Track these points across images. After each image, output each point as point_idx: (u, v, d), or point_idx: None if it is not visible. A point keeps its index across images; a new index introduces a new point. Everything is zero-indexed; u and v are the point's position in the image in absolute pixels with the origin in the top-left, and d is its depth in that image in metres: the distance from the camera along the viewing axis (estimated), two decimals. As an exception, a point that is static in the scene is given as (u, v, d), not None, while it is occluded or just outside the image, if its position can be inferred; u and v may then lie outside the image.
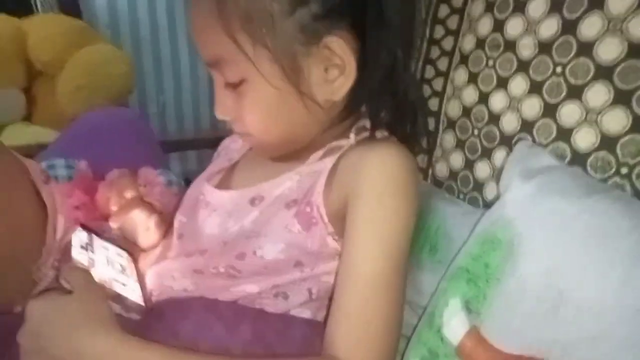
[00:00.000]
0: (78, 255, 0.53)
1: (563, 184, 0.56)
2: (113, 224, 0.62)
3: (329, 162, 0.55)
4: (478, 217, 0.64)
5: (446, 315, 0.60)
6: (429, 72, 0.86)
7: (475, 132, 0.75)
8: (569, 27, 0.62)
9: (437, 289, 0.64)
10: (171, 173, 0.79)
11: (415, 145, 0.59)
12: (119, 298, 0.52)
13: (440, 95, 0.84)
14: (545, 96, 0.64)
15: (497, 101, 0.71)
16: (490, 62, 0.73)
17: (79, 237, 0.56)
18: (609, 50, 0.57)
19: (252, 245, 0.53)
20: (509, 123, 0.69)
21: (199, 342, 0.50)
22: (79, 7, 1.73)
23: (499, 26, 0.72)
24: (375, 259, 0.50)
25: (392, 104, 0.56)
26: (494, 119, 0.71)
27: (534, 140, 0.66)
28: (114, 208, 0.64)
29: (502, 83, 0.70)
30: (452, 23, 0.82)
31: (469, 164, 0.76)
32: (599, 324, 0.47)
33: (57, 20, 1.51)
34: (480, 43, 0.75)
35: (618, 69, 0.56)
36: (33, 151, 0.85)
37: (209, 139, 1.12)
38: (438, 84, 0.84)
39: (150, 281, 0.59)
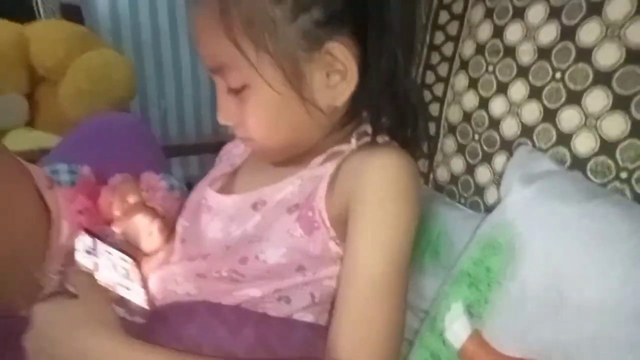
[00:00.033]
0: (82, 259, 0.54)
1: (563, 188, 0.57)
2: (116, 229, 0.63)
3: (331, 166, 0.55)
4: (479, 222, 0.65)
5: (448, 319, 0.60)
6: (430, 77, 0.87)
7: (476, 137, 0.75)
8: (568, 33, 0.62)
9: (439, 293, 0.64)
10: (173, 178, 0.80)
11: (416, 150, 0.59)
12: (123, 302, 0.53)
13: (440, 100, 0.84)
14: (545, 101, 0.65)
15: (497, 106, 0.72)
16: (490, 68, 0.73)
17: (83, 241, 0.56)
18: (608, 56, 0.58)
19: (254, 250, 0.53)
20: (509, 128, 0.70)
21: (203, 345, 0.50)
22: (81, 13, 1.73)
23: (498, 32, 0.72)
24: (377, 263, 0.50)
25: (393, 109, 0.56)
26: (494, 124, 0.72)
27: (534, 145, 0.66)
28: (116, 213, 0.64)
29: (502, 88, 0.71)
30: (452, 29, 0.83)
31: (470, 169, 0.76)
32: (599, 325, 0.48)
33: (59, 26, 1.52)
34: (480, 49, 0.75)
35: (617, 74, 0.57)
36: (35, 156, 0.85)
37: (211, 144, 1.12)
38: (438, 89, 0.85)
39: (153, 285, 0.59)
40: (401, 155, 0.54)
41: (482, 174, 0.74)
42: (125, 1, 1.87)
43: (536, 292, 0.52)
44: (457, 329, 0.59)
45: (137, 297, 0.55)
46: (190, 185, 0.72)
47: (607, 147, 0.58)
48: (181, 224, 0.64)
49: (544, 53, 0.65)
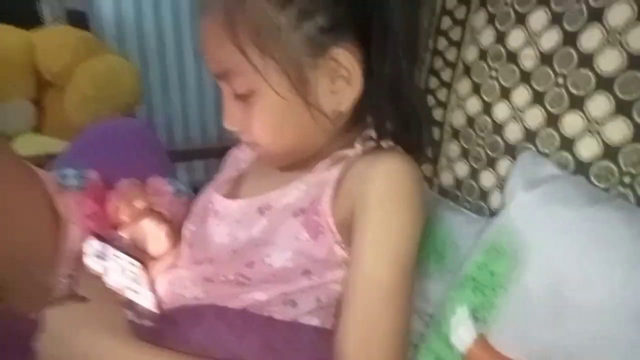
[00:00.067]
0: (92, 263, 0.54)
1: (566, 193, 0.57)
2: (124, 233, 0.63)
3: (336, 171, 0.56)
4: (483, 226, 0.65)
5: (453, 323, 0.61)
6: (433, 82, 0.87)
7: (480, 141, 0.76)
8: (570, 38, 0.63)
9: (444, 297, 0.65)
10: (179, 182, 0.80)
11: (420, 155, 0.60)
12: (132, 305, 0.53)
13: (444, 105, 0.85)
14: (548, 106, 0.65)
15: (501, 111, 0.72)
16: (493, 73, 0.74)
17: (92, 245, 0.57)
18: (610, 62, 0.58)
19: (261, 253, 0.54)
20: (513, 133, 0.70)
21: (210, 349, 0.51)
22: (87, 19, 1.75)
23: (500, 38, 0.73)
24: (382, 267, 0.50)
25: (397, 114, 0.57)
26: (498, 128, 0.73)
27: (537, 150, 0.67)
28: (124, 217, 0.65)
29: (505, 93, 0.72)
30: (455, 34, 0.84)
31: (474, 173, 0.77)
32: (601, 327, 0.48)
33: (65, 32, 1.54)
34: (482, 54, 0.76)
35: (619, 79, 0.57)
36: (43, 161, 0.86)
37: (216, 149, 1.13)
38: (442, 94, 0.85)
39: (162, 289, 0.60)
40: (405, 160, 0.54)
41: (486, 178, 0.75)
42: (130, 7, 1.88)
43: (540, 296, 0.53)
44: (462, 333, 0.60)
45: (146, 301, 0.55)
46: (196, 190, 0.73)
47: (610, 151, 0.58)
48: (188, 228, 0.65)
49: (546, 58, 0.66)
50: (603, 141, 0.59)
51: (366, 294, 0.50)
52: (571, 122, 0.62)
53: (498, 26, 0.74)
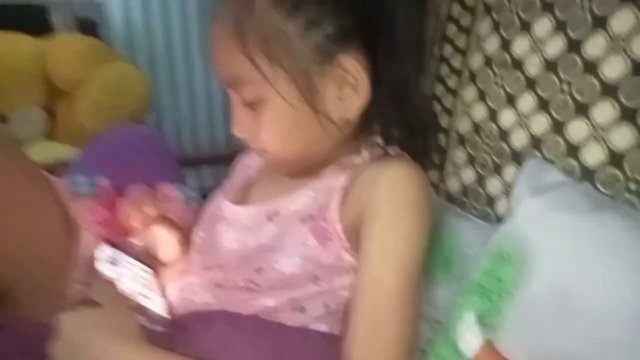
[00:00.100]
0: (104, 269, 0.55)
1: (572, 199, 0.57)
2: (134, 239, 0.64)
3: (343, 178, 0.56)
4: (490, 232, 0.65)
5: (460, 329, 0.61)
6: (439, 89, 0.88)
7: (486, 148, 0.76)
8: (574, 46, 0.63)
9: (451, 303, 0.65)
10: (188, 189, 0.81)
11: (427, 161, 0.60)
12: (143, 310, 0.54)
13: (450, 112, 0.85)
14: (553, 113, 0.66)
15: (506, 118, 0.73)
16: (498, 80, 0.74)
17: (104, 252, 0.58)
18: (614, 69, 0.59)
19: (269, 260, 0.55)
20: (518, 139, 0.71)
21: (220, 354, 0.52)
22: (97, 27, 1.77)
23: (505, 45, 0.73)
24: (388, 274, 0.51)
25: (404, 121, 0.57)
26: (504, 135, 0.73)
27: (543, 156, 0.67)
28: (135, 224, 0.66)
29: (510, 100, 0.72)
30: (460, 42, 0.84)
31: (480, 180, 0.77)
32: (608, 333, 0.48)
33: (76, 39, 1.55)
34: (488, 61, 0.77)
35: (623, 86, 0.58)
36: (54, 168, 0.87)
37: (224, 156, 1.14)
38: (448, 100, 0.86)
39: (173, 295, 0.61)
40: (412, 167, 0.55)
41: (493, 184, 0.75)
42: (139, 16, 1.90)
43: (546, 302, 0.53)
44: (469, 338, 0.60)
45: (157, 306, 0.56)
46: (205, 196, 0.74)
47: (615, 158, 0.58)
48: (197, 235, 0.65)
49: (550, 65, 0.66)
50: (608, 147, 0.59)
51: (373, 300, 0.51)
52: (576, 129, 0.63)
53: (503, 33, 0.74)
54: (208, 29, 0.55)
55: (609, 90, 0.59)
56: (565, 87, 0.64)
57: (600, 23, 0.60)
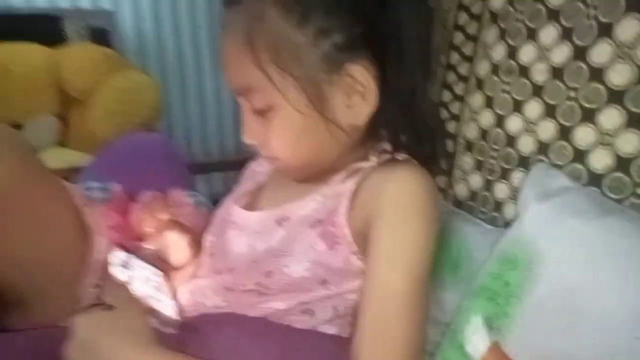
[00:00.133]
0: (117, 273, 0.57)
1: (579, 204, 0.57)
2: (147, 244, 0.65)
3: (351, 183, 0.57)
4: (498, 237, 0.66)
5: (468, 332, 0.61)
6: (446, 96, 0.89)
7: (493, 154, 0.77)
8: (580, 53, 0.64)
9: (459, 306, 0.65)
10: (199, 194, 0.82)
11: (434, 167, 0.61)
12: (155, 313, 0.55)
13: (457, 118, 0.86)
14: (560, 119, 0.66)
15: (513, 124, 0.73)
16: (505, 87, 0.75)
17: (117, 256, 0.59)
18: (620, 75, 0.59)
19: (279, 264, 0.55)
20: (526, 145, 0.71)
21: (230, 356, 0.52)
22: (109, 36, 1.80)
23: (512, 52, 0.74)
24: (396, 278, 0.51)
25: (411, 127, 0.58)
26: (511, 141, 0.74)
27: (550, 162, 0.67)
28: (147, 229, 0.67)
29: (517, 106, 0.73)
30: (467, 49, 0.85)
31: (488, 185, 0.78)
32: (614, 337, 0.48)
33: (88, 49, 1.58)
34: (494, 68, 0.77)
35: (630, 93, 0.58)
36: (68, 174, 0.88)
37: (234, 162, 1.15)
38: (455, 107, 0.87)
39: (184, 298, 0.61)
40: (419, 172, 0.55)
41: (500, 190, 0.75)
42: (150, 25, 1.93)
43: (553, 305, 0.53)
44: (476, 341, 0.60)
45: (168, 309, 0.57)
46: (215, 202, 0.75)
47: (622, 163, 0.59)
48: (208, 239, 0.66)
49: (557, 72, 0.67)
50: (615, 153, 0.59)
51: (381, 304, 0.51)
52: (583, 135, 0.63)
53: (509, 41, 0.75)
54: (218, 38, 0.56)
55: (615, 97, 0.59)
56: (571, 93, 0.65)
57: (605, 30, 0.61)
